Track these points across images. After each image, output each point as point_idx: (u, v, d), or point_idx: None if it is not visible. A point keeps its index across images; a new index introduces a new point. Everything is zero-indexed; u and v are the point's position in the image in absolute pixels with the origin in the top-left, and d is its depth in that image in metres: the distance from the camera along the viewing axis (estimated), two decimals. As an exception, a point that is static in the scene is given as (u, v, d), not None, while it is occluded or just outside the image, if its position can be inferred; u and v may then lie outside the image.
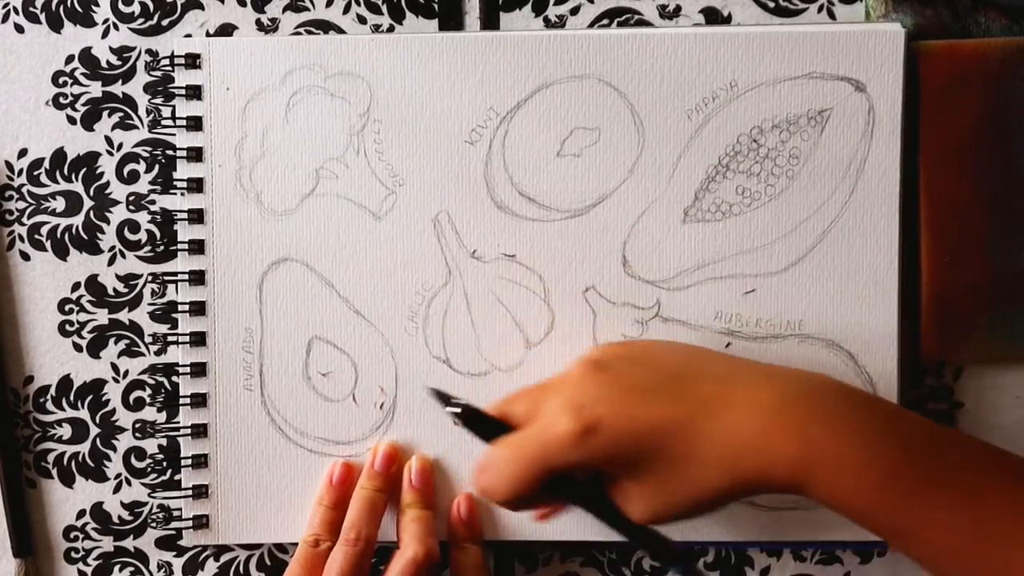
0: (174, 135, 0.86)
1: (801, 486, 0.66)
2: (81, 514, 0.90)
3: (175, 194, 0.86)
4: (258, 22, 0.87)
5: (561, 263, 0.84)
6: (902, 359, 0.85)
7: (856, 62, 0.83)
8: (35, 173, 0.87)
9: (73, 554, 0.90)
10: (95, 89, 0.87)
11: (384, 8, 0.87)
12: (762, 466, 0.66)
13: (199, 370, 0.87)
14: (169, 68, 0.86)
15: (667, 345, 0.77)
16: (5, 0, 0.87)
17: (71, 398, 0.89)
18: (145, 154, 0.87)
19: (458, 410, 0.76)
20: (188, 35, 0.87)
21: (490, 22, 0.87)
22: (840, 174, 0.83)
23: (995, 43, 0.83)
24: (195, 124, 0.86)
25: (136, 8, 0.87)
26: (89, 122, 0.87)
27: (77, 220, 0.88)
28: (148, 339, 0.88)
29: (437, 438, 0.86)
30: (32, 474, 0.89)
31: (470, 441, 0.81)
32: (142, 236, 0.88)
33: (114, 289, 0.88)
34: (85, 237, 0.88)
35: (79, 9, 0.87)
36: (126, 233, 0.88)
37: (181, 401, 0.87)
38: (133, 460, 0.89)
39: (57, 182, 0.87)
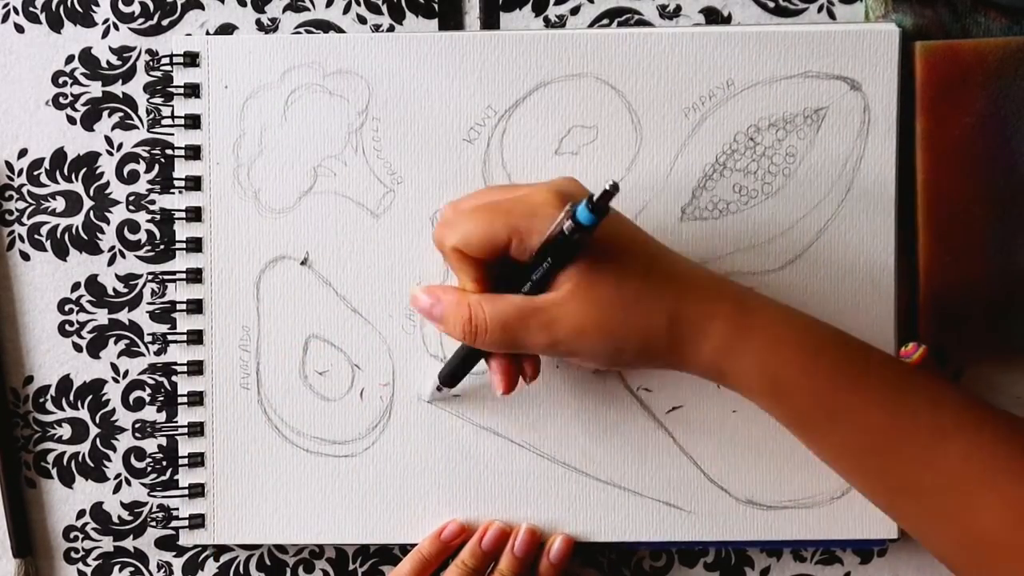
0: (173, 134, 0.86)
1: (732, 353, 0.71)
2: (81, 514, 0.89)
3: (175, 194, 0.86)
4: (258, 22, 0.87)
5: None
6: (898, 354, 0.84)
7: (852, 61, 0.83)
8: (35, 173, 0.87)
9: (73, 554, 0.90)
10: (95, 89, 0.88)
11: (384, 8, 0.87)
12: (698, 319, 0.71)
13: (196, 368, 0.87)
14: (168, 68, 0.86)
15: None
16: (5, 0, 0.87)
17: (71, 398, 0.89)
18: (145, 154, 0.87)
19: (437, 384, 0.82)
20: (188, 35, 0.87)
21: (490, 22, 0.87)
22: (836, 172, 0.84)
23: (994, 43, 0.82)
24: (193, 122, 0.86)
25: (136, 8, 0.87)
26: (89, 122, 0.87)
27: (77, 220, 0.88)
28: (148, 339, 0.88)
29: (436, 438, 0.86)
30: (32, 474, 0.89)
31: (463, 440, 0.82)
32: (142, 236, 0.88)
33: (114, 289, 0.88)
34: (85, 237, 0.88)
35: (79, 9, 0.87)
36: (126, 233, 0.88)
37: (179, 400, 0.87)
38: (133, 460, 0.89)
39: (57, 182, 0.88)
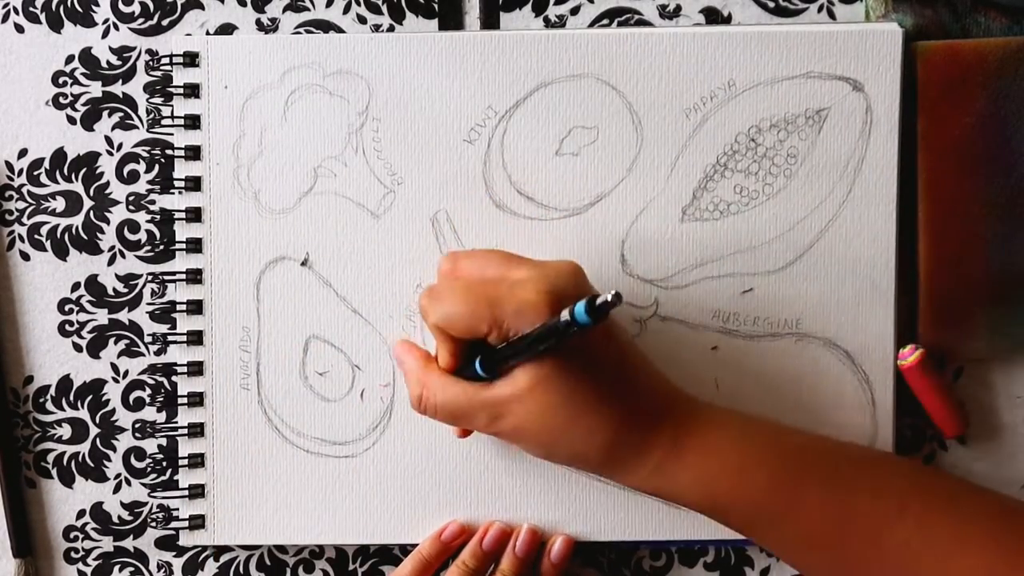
0: (173, 135, 0.86)
1: (667, 476, 0.72)
2: (81, 514, 0.89)
3: (175, 194, 0.86)
4: (258, 22, 0.87)
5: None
6: (897, 356, 0.85)
7: (854, 62, 0.83)
8: (35, 173, 0.87)
9: (73, 554, 0.90)
10: (95, 89, 0.87)
11: (384, 8, 0.87)
12: (636, 444, 0.72)
13: (196, 369, 0.87)
14: (168, 68, 0.86)
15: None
16: (5, 0, 0.87)
17: (71, 398, 0.89)
18: (145, 154, 0.87)
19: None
20: (188, 35, 0.87)
21: (490, 22, 0.87)
22: (837, 173, 0.84)
23: (995, 43, 0.82)
24: (193, 122, 0.86)
25: (136, 8, 0.87)
26: (89, 122, 0.87)
27: (77, 220, 0.88)
28: (148, 339, 0.88)
29: (436, 438, 0.86)
30: (32, 474, 0.89)
31: (463, 440, 0.82)
32: (142, 236, 0.88)
33: (114, 289, 0.88)
34: (85, 237, 0.88)
35: (79, 9, 0.87)
36: (126, 233, 0.88)
37: (179, 400, 0.87)
38: (133, 460, 0.89)
39: (57, 182, 0.88)
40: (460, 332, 0.72)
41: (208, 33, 0.87)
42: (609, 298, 0.62)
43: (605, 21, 0.87)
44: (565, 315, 0.64)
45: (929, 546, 0.69)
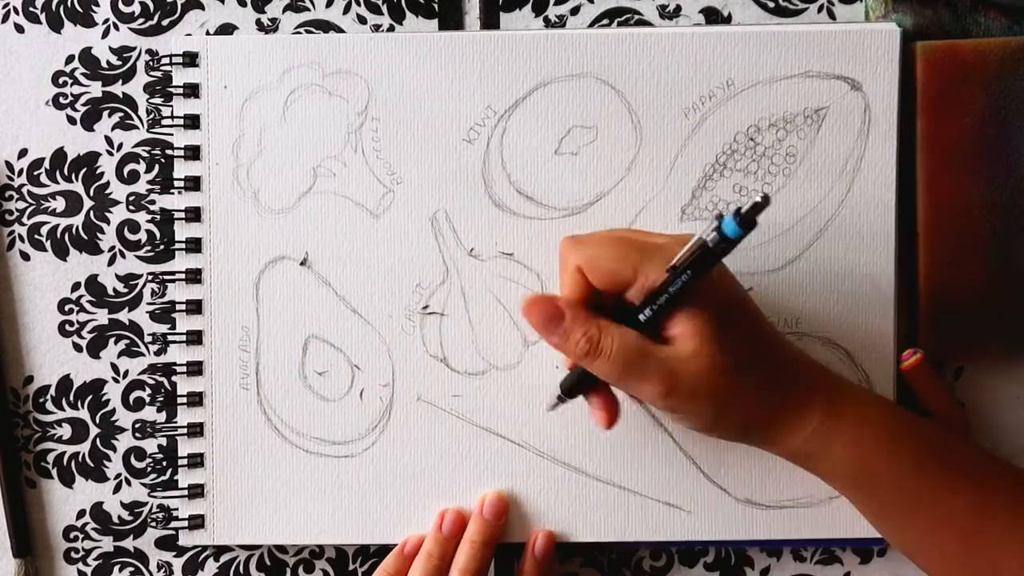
0: (172, 135, 0.86)
1: (822, 443, 0.71)
2: (81, 514, 0.89)
3: (174, 194, 0.86)
4: (258, 22, 0.87)
5: (558, 261, 0.84)
6: (898, 357, 0.85)
7: (852, 61, 0.83)
8: (35, 173, 0.88)
9: (73, 554, 0.90)
10: (95, 89, 0.88)
11: (384, 8, 0.87)
12: (796, 406, 0.72)
13: (195, 369, 0.87)
14: (168, 68, 0.86)
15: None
16: (5, 0, 0.87)
17: (71, 398, 0.89)
18: (145, 154, 0.87)
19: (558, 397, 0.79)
20: (188, 35, 0.87)
21: (490, 22, 0.87)
22: (836, 172, 0.84)
23: (995, 43, 0.82)
24: (193, 122, 0.86)
25: (136, 8, 0.87)
26: (89, 122, 0.88)
27: (77, 220, 0.88)
28: (148, 339, 0.88)
29: (435, 438, 0.86)
30: (32, 474, 0.89)
31: (462, 440, 0.82)
32: (142, 236, 0.88)
33: (114, 289, 0.88)
34: (85, 237, 0.88)
35: (79, 9, 0.87)
36: (126, 233, 0.88)
37: (178, 400, 0.87)
38: (133, 460, 0.89)
39: (57, 182, 0.88)
40: (603, 276, 0.70)
41: (208, 33, 0.87)
42: (759, 200, 0.62)
43: (605, 21, 0.87)
44: (716, 219, 0.64)
45: None
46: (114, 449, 0.89)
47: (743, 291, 0.73)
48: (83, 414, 0.89)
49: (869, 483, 0.73)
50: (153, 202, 0.88)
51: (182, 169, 0.86)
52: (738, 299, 0.72)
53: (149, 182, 0.87)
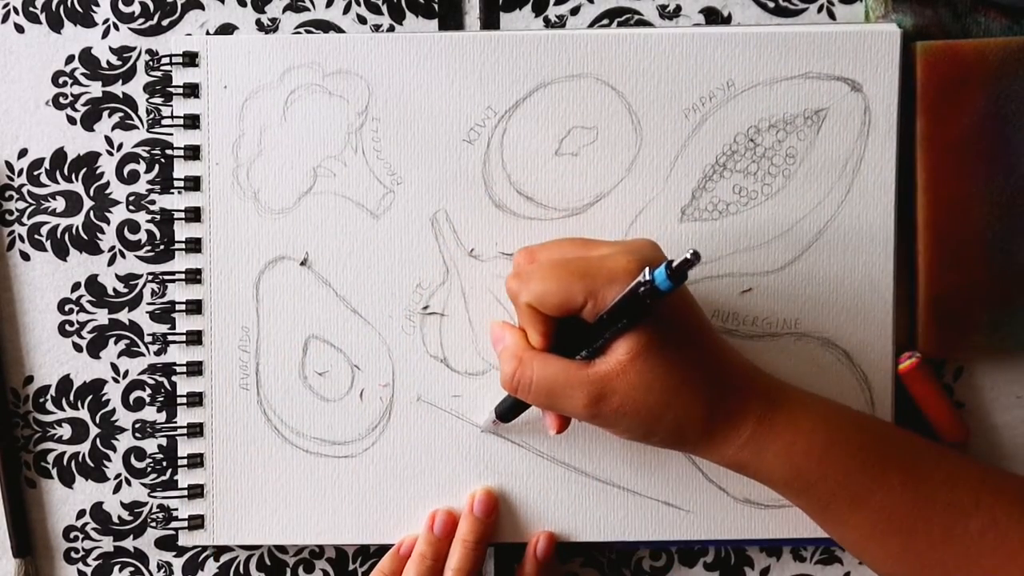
0: (172, 134, 0.86)
1: (756, 449, 0.72)
2: (81, 514, 0.89)
3: (174, 194, 0.86)
4: (258, 22, 0.87)
5: (559, 262, 0.84)
6: (897, 357, 0.85)
7: (852, 62, 0.83)
8: (35, 173, 0.87)
9: (73, 554, 0.90)
10: (95, 89, 0.88)
11: (384, 8, 0.87)
12: (731, 415, 0.72)
13: (195, 369, 0.87)
14: (168, 67, 0.86)
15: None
16: (5, 0, 0.87)
17: (71, 398, 0.89)
18: (145, 154, 0.87)
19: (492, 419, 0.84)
20: (188, 35, 0.87)
21: (490, 22, 0.87)
22: (836, 173, 0.84)
23: (995, 43, 0.82)
24: (193, 122, 0.86)
25: (136, 8, 0.87)
26: (89, 122, 0.87)
27: (77, 220, 0.88)
28: (148, 339, 0.88)
29: (435, 439, 0.86)
30: (32, 474, 0.89)
31: (463, 441, 0.82)
32: (142, 236, 0.88)
33: (114, 289, 0.88)
34: (85, 237, 0.88)
35: (79, 9, 0.87)
36: (126, 233, 0.88)
37: (178, 400, 0.87)
38: (133, 460, 0.89)
39: (57, 182, 0.88)
40: (554, 308, 0.71)
41: (208, 33, 0.87)
42: (689, 256, 0.63)
43: (605, 21, 0.87)
44: (646, 275, 0.65)
45: (1002, 540, 0.71)
46: (114, 449, 0.89)
47: (688, 302, 0.74)
48: (83, 414, 0.89)
49: (803, 487, 0.73)
50: (153, 202, 0.88)
51: (182, 169, 0.86)
52: (679, 311, 0.72)
53: (149, 182, 0.87)
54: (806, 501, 0.74)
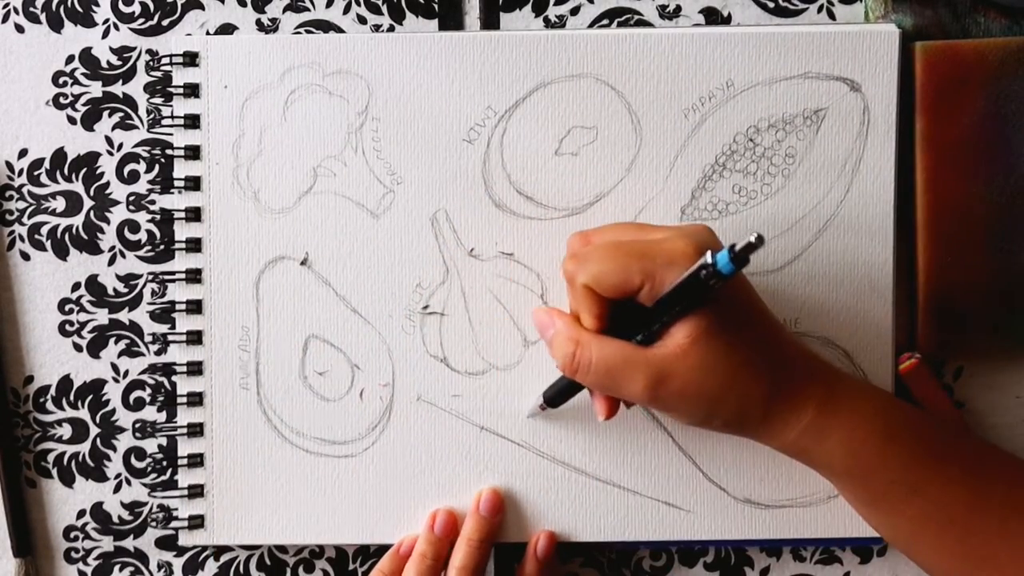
0: (172, 134, 0.86)
1: (818, 435, 0.72)
2: (81, 514, 0.89)
3: (175, 194, 0.86)
4: (258, 22, 0.87)
5: (559, 261, 0.83)
6: (897, 357, 0.85)
7: (851, 62, 0.83)
8: (35, 173, 0.88)
9: (73, 554, 0.90)
10: (95, 89, 0.88)
11: (384, 8, 0.87)
12: (792, 399, 0.72)
13: (195, 369, 0.87)
14: (168, 67, 0.86)
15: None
16: (5, 0, 0.87)
17: (71, 398, 0.89)
18: (145, 154, 0.87)
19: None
20: (188, 35, 0.87)
21: (490, 22, 0.87)
22: (835, 173, 0.84)
23: (994, 43, 0.82)
24: (193, 122, 0.86)
25: (136, 8, 0.87)
26: (89, 122, 0.88)
27: (77, 220, 0.88)
28: (148, 339, 0.88)
29: (435, 438, 0.86)
30: (32, 474, 0.89)
31: (463, 440, 0.82)
32: (142, 236, 0.88)
33: (114, 289, 0.88)
34: (85, 237, 0.88)
35: (79, 9, 0.87)
36: (126, 233, 0.88)
37: (178, 400, 0.87)
38: (133, 460, 0.89)
39: (57, 182, 0.88)
40: (611, 289, 0.71)
41: (208, 33, 0.87)
42: (752, 240, 0.63)
43: (605, 21, 0.87)
44: (708, 258, 0.65)
45: None
46: (114, 449, 0.89)
47: (745, 285, 0.74)
48: (83, 414, 0.89)
49: (863, 476, 0.73)
50: (153, 202, 0.88)
51: (182, 169, 0.86)
52: (737, 294, 0.72)
53: (149, 182, 0.88)
54: (863, 490, 0.74)
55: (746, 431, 0.74)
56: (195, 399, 0.87)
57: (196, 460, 0.87)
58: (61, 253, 0.88)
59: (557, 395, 0.82)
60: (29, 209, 0.88)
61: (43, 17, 0.87)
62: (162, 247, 0.88)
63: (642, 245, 0.71)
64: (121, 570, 0.90)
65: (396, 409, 0.86)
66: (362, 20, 0.87)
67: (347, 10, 0.87)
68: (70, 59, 0.88)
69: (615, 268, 0.70)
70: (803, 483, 0.85)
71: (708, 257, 0.65)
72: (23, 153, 0.88)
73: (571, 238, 0.78)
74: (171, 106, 0.87)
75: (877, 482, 0.73)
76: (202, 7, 0.87)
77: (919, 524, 0.73)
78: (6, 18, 0.87)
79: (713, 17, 0.87)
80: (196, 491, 0.87)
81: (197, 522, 0.87)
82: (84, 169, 0.88)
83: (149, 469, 0.89)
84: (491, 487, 0.86)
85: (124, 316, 0.88)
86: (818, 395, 0.72)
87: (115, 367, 0.89)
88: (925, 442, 0.73)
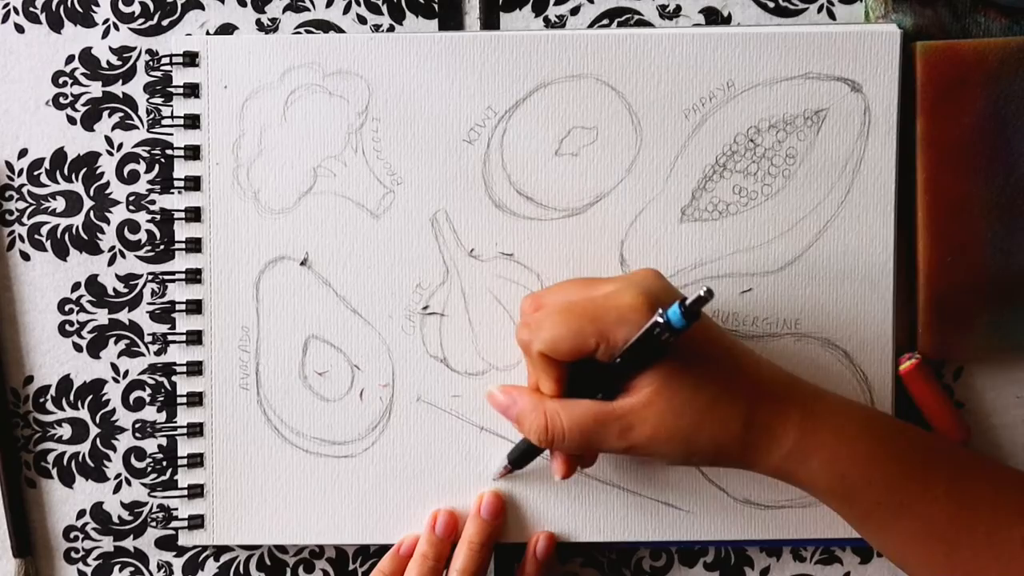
0: (172, 134, 0.86)
1: (800, 457, 0.72)
2: (81, 514, 0.89)
3: (174, 194, 0.86)
4: (258, 22, 0.87)
5: (559, 262, 0.84)
6: (897, 358, 0.85)
7: (852, 62, 0.83)
8: (35, 173, 0.87)
9: (73, 554, 0.90)
10: (95, 89, 0.88)
11: (384, 8, 0.87)
12: (769, 426, 0.72)
13: (195, 369, 0.87)
14: (168, 68, 0.86)
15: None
16: (5, 0, 0.87)
17: (71, 398, 0.89)
18: (145, 154, 0.87)
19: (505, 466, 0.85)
20: (188, 35, 0.87)
21: (490, 22, 0.87)
22: (836, 174, 0.84)
23: (995, 43, 0.82)
24: (193, 122, 0.86)
25: (136, 8, 0.87)
26: (89, 122, 0.87)
27: (77, 220, 0.88)
28: (148, 339, 0.88)
29: (435, 438, 0.86)
30: (32, 474, 0.89)
31: (462, 441, 0.82)
32: (142, 236, 0.88)
33: (114, 289, 0.88)
34: (85, 237, 0.88)
35: (79, 9, 0.87)
36: (126, 233, 0.88)
37: (178, 400, 0.87)
38: (133, 460, 0.89)
39: (57, 182, 0.88)
40: (567, 354, 0.71)
41: (208, 33, 0.87)
42: (702, 293, 0.64)
43: (605, 21, 0.87)
44: (659, 315, 0.66)
45: None
46: (114, 449, 0.89)
47: (706, 323, 0.73)
48: (83, 414, 0.89)
49: (847, 496, 0.73)
50: (153, 202, 0.88)
51: (182, 169, 0.86)
52: (698, 335, 0.72)
53: (149, 182, 0.87)
54: (849, 508, 0.74)
55: (729, 463, 0.74)
56: (195, 399, 0.87)
57: (196, 460, 0.87)
58: (61, 253, 0.88)
59: (521, 457, 0.83)
60: (29, 209, 0.88)
61: (43, 17, 0.87)
62: (162, 247, 0.88)
63: (591, 304, 0.71)
64: (121, 570, 0.90)
65: (396, 409, 0.86)
66: (362, 20, 0.87)
67: (347, 10, 0.87)
68: (70, 59, 0.87)
69: (568, 333, 0.71)
70: (803, 483, 0.86)
71: (659, 316, 0.66)
72: (23, 153, 0.88)
73: (523, 302, 0.78)
74: (171, 106, 0.87)
75: (862, 502, 0.73)
76: (202, 7, 0.87)
77: (906, 541, 0.73)
78: (6, 18, 0.87)
79: (713, 17, 0.87)
80: (196, 491, 0.87)
81: (197, 522, 0.87)
82: (84, 169, 0.88)
83: (149, 469, 0.89)
84: (492, 490, 0.86)
85: (124, 316, 0.88)
86: (796, 419, 0.72)
87: (115, 367, 0.89)
88: (908, 459, 0.73)
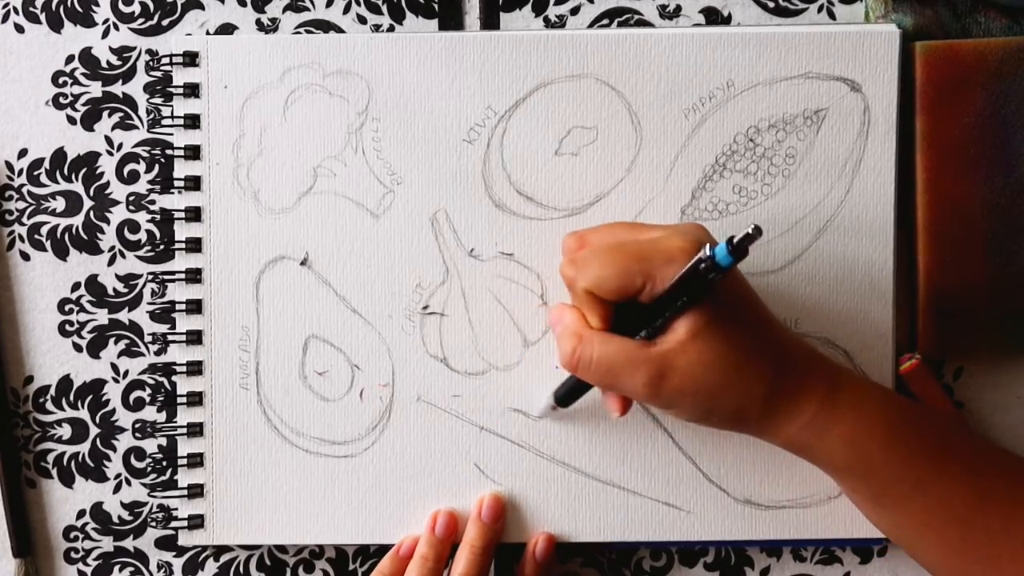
0: (172, 134, 0.86)
1: (819, 430, 0.72)
2: (81, 514, 0.89)
3: (174, 194, 0.86)
4: (258, 22, 0.87)
5: (559, 261, 0.84)
6: (897, 358, 0.85)
7: (852, 62, 0.83)
8: (35, 173, 0.87)
9: (73, 554, 0.90)
10: (95, 89, 0.88)
11: (384, 8, 0.87)
12: (793, 394, 0.72)
13: (195, 369, 0.87)
14: (168, 68, 0.86)
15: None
16: (5, 0, 0.87)
17: (71, 398, 0.89)
18: (145, 154, 0.87)
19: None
20: (188, 35, 0.87)
21: (490, 22, 0.87)
22: (836, 173, 0.84)
23: (995, 43, 0.82)
24: (193, 122, 0.86)
25: (136, 8, 0.87)
26: (89, 122, 0.87)
27: (77, 220, 0.88)
28: (148, 339, 0.88)
29: (435, 438, 0.86)
30: (32, 474, 0.89)
31: (462, 441, 0.82)
32: (142, 236, 0.88)
33: (114, 289, 0.88)
34: (85, 237, 0.88)
35: (79, 9, 0.87)
36: (126, 233, 0.88)
37: (178, 400, 0.87)
38: (133, 460, 0.89)
39: (57, 182, 0.88)
40: (612, 292, 0.71)
41: (208, 33, 0.87)
42: (750, 230, 0.63)
43: (605, 21, 0.87)
44: (706, 251, 0.65)
45: None
46: (114, 449, 0.89)
47: (743, 284, 0.73)
48: (83, 414, 0.89)
49: (865, 472, 0.73)
50: (153, 202, 0.88)
51: (182, 169, 0.86)
52: (737, 292, 0.72)
53: (149, 182, 0.87)
54: (865, 486, 0.74)
55: (745, 427, 0.74)
56: (195, 399, 0.87)
57: (196, 460, 0.87)
58: (61, 253, 0.88)
59: (567, 394, 0.82)
60: (29, 209, 0.88)
61: (43, 17, 0.87)
62: (162, 247, 0.88)
63: (639, 245, 0.71)
64: (121, 570, 0.90)
65: (396, 409, 0.86)
66: (362, 20, 0.87)
67: (347, 10, 0.87)
68: (70, 59, 0.87)
69: (615, 272, 0.70)
70: (803, 484, 0.85)
71: (706, 250, 0.66)
72: (23, 153, 0.88)
73: (566, 239, 0.78)
74: (171, 106, 0.87)
75: (879, 479, 0.73)
76: (202, 7, 0.87)
77: (922, 521, 0.73)
78: (6, 18, 0.87)
79: (713, 17, 0.87)
80: (196, 491, 0.87)
81: (197, 522, 0.87)
82: (84, 169, 0.88)
83: (149, 469, 0.89)
84: (493, 492, 0.86)
85: (124, 316, 0.88)
86: (819, 391, 0.72)
87: (115, 367, 0.89)
88: (927, 439, 0.73)
